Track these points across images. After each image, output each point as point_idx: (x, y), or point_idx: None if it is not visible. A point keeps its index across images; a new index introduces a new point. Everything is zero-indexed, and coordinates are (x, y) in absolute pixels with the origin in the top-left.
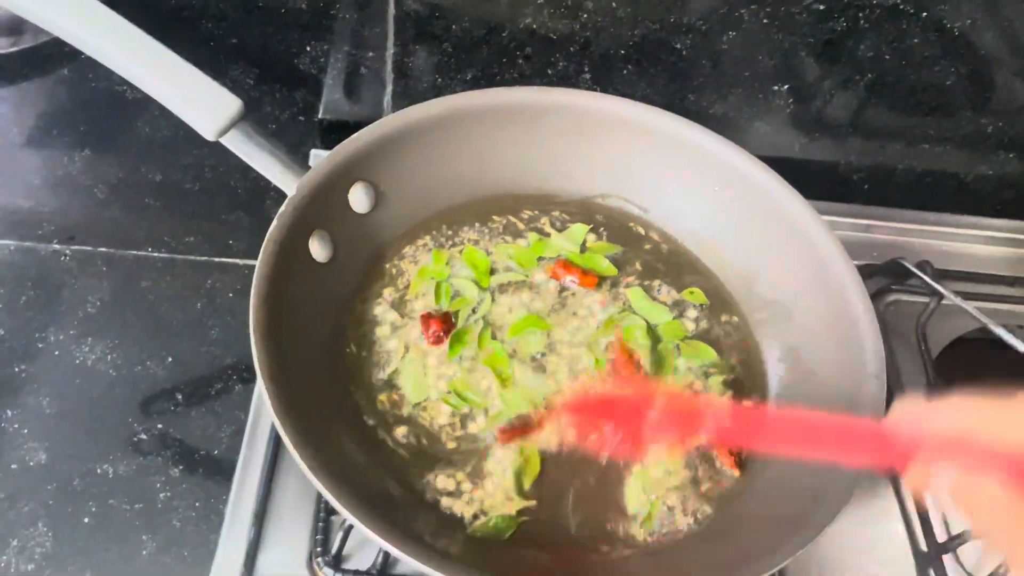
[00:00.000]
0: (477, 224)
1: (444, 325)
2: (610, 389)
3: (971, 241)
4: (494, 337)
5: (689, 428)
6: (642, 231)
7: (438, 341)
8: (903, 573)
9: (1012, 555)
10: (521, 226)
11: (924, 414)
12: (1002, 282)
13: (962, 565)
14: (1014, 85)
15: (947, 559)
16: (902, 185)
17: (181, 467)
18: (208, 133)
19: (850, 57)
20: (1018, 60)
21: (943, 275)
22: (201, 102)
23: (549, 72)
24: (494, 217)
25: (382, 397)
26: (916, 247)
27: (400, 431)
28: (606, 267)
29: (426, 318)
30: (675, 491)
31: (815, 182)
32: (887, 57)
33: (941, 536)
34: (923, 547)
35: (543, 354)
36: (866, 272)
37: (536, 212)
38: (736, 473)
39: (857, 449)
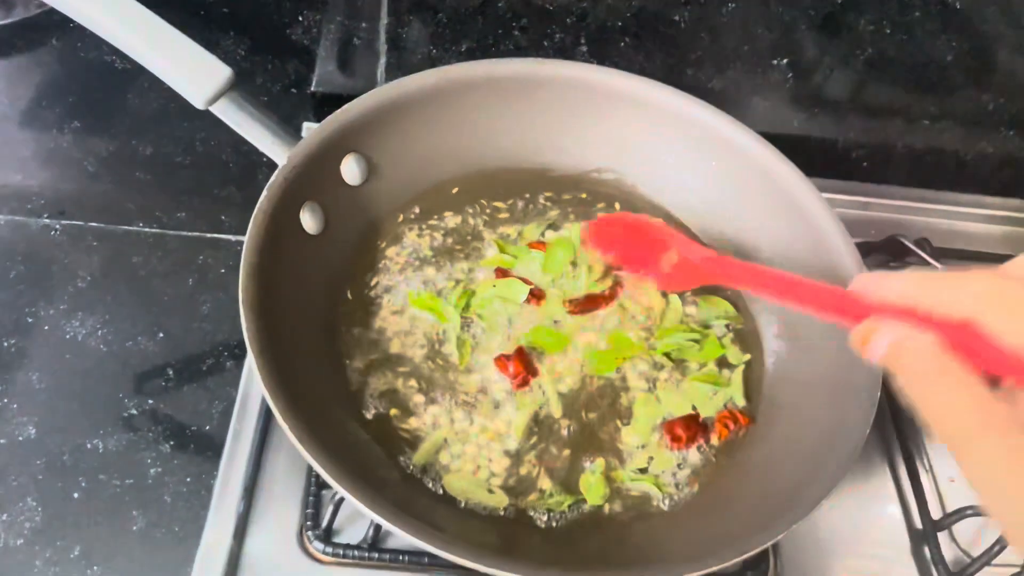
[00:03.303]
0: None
1: (522, 362)
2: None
3: (970, 219)
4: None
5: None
6: (639, 206)
7: (524, 383)
8: (898, 550)
9: (923, 405)
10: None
11: (880, 282)
12: (1000, 260)
13: (957, 542)
14: (1015, 62)
15: (942, 536)
16: (901, 162)
17: (172, 443)
18: (198, 101)
19: (850, 32)
20: (1019, 37)
21: (942, 253)
22: (191, 69)
23: (545, 44)
24: (482, 201)
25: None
26: (915, 224)
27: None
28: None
29: (502, 361)
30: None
31: (814, 158)
32: (888, 32)
33: (936, 513)
34: (918, 524)
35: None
36: (864, 249)
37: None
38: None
39: (821, 305)
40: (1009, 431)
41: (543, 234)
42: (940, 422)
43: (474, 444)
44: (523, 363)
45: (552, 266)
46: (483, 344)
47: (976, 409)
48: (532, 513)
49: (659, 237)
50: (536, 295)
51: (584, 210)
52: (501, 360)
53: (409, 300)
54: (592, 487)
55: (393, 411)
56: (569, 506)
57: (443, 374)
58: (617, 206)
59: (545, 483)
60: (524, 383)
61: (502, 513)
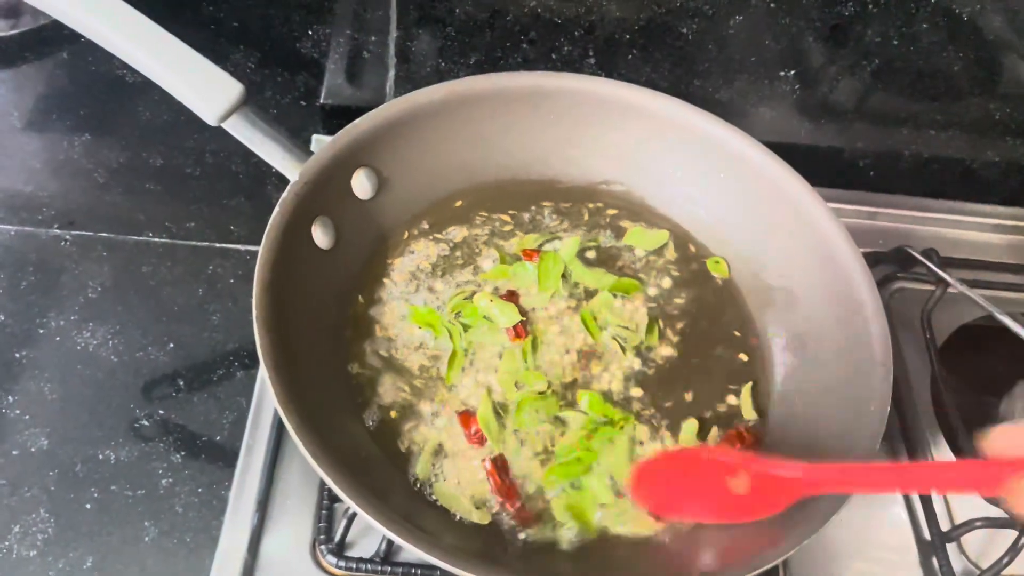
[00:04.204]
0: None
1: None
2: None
3: (977, 228)
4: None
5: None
6: (646, 217)
7: (481, 441)
8: (907, 562)
9: None
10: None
11: (1018, 439)
12: (1008, 270)
13: (966, 554)
14: (1021, 71)
15: (951, 548)
16: (908, 171)
17: (183, 453)
18: (210, 118)
19: (857, 42)
20: None
21: (949, 263)
22: (202, 86)
23: (553, 57)
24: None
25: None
26: (922, 234)
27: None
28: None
29: (465, 417)
30: None
31: (821, 168)
32: (894, 42)
33: (945, 525)
34: (927, 536)
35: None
36: (872, 259)
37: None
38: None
39: (961, 484)
40: None
41: (541, 246)
42: None
43: (463, 457)
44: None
45: (546, 284)
46: (476, 364)
47: None
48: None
49: (715, 463)
50: (518, 332)
51: (594, 220)
52: (464, 416)
53: (410, 316)
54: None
55: (402, 424)
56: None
57: (444, 388)
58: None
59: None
60: (481, 442)
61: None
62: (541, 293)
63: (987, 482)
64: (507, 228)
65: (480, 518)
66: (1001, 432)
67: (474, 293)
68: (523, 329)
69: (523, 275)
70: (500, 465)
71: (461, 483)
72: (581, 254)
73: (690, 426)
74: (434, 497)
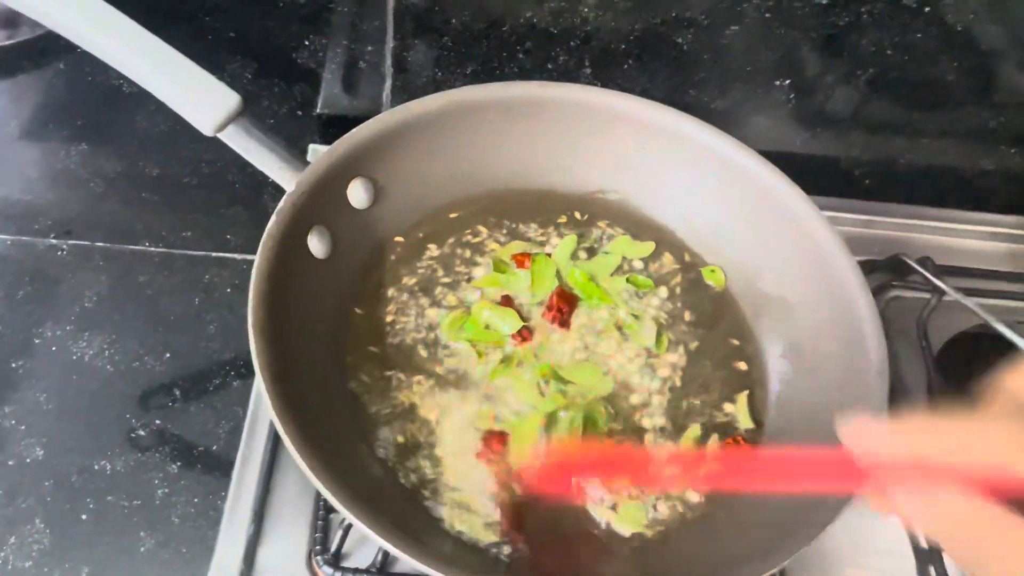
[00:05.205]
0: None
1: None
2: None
3: (973, 237)
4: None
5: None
6: (643, 225)
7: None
8: (904, 569)
9: (982, 564)
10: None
11: (878, 437)
12: (1004, 278)
13: None
14: (1016, 79)
15: (947, 556)
16: (904, 180)
17: (179, 463)
18: (206, 129)
19: (852, 52)
20: (1020, 54)
21: (944, 271)
22: (199, 97)
23: (549, 67)
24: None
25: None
26: (918, 243)
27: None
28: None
29: (488, 438)
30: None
31: (816, 177)
32: (889, 52)
33: None
34: (923, 544)
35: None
36: (867, 268)
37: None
38: None
39: (814, 479)
40: None
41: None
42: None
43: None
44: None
45: (539, 285)
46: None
47: None
48: None
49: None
50: (524, 336)
51: (584, 231)
52: (488, 437)
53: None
54: None
55: (399, 434)
56: None
57: (444, 395)
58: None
59: None
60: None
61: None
62: (535, 294)
63: (847, 481)
64: (502, 238)
65: (492, 537)
66: (859, 426)
67: (470, 307)
68: (528, 333)
69: (515, 281)
70: (509, 510)
71: (468, 492)
72: (574, 258)
73: (692, 433)
74: (440, 516)
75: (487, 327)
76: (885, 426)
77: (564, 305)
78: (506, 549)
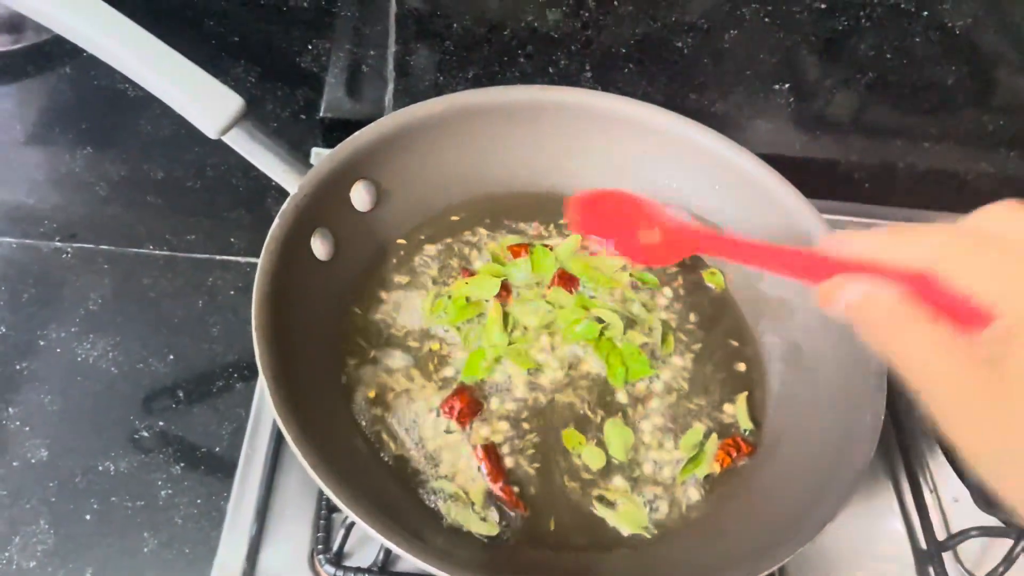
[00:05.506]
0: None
1: (469, 403)
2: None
3: None
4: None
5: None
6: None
7: (462, 418)
8: (903, 571)
9: (890, 351)
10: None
11: (845, 241)
12: None
13: (962, 563)
14: (1015, 83)
15: (947, 557)
16: (903, 184)
17: (182, 464)
18: (210, 131)
19: (851, 56)
20: (1019, 58)
21: None
22: (203, 100)
23: (550, 71)
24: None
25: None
26: None
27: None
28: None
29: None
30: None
31: (816, 180)
32: (888, 56)
33: (941, 534)
34: (923, 545)
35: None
36: None
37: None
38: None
39: (791, 268)
40: (974, 365)
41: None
42: (908, 364)
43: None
44: (465, 402)
45: (540, 268)
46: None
47: (940, 347)
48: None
49: (639, 212)
50: (505, 287)
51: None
52: (486, 449)
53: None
54: None
55: (400, 432)
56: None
57: (440, 393)
58: None
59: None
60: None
61: (506, 538)
62: (535, 274)
63: (816, 273)
64: (504, 240)
65: (488, 530)
66: (838, 236)
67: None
68: (506, 294)
69: (514, 271)
70: (491, 451)
71: (461, 483)
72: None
73: (694, 433)
74: (440, 513)
75: (468, 300)
76: (857, 233)
77: (567, 285)
78: (506, 535)
